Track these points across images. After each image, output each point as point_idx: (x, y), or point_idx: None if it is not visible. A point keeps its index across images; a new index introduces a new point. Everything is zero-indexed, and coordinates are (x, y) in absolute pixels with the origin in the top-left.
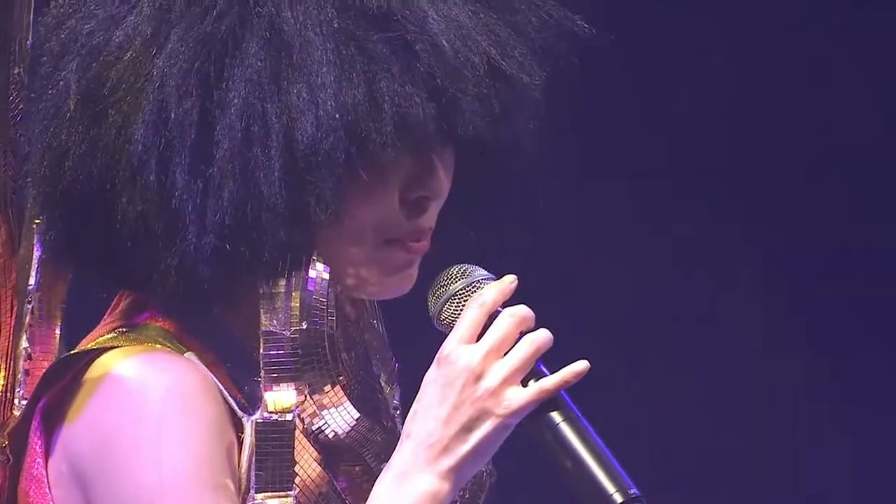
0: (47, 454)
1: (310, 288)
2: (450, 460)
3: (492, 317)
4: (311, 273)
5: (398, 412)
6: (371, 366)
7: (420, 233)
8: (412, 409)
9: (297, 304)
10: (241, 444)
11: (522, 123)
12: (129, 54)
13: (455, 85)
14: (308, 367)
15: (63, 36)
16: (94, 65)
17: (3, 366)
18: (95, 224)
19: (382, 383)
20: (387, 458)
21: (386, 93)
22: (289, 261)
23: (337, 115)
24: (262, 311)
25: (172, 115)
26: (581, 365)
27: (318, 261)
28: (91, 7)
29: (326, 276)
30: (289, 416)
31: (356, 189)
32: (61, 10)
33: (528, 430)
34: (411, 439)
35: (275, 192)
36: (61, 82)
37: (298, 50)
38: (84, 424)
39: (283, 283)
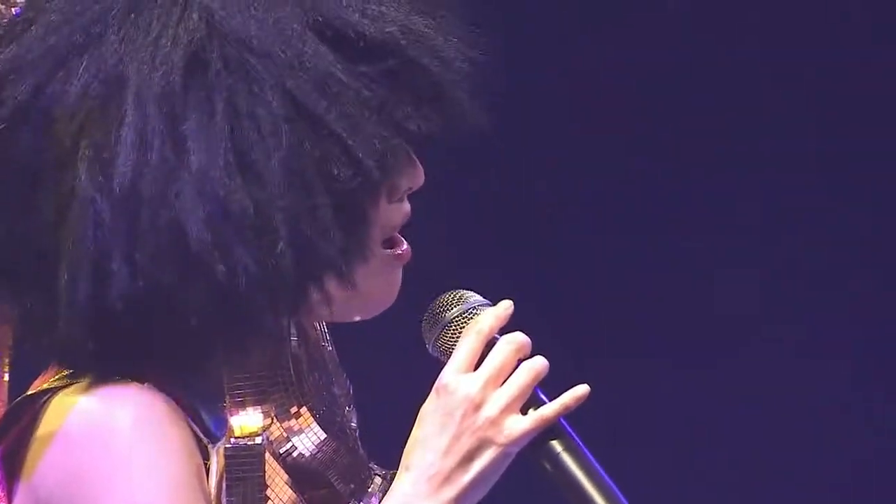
0: (10, 498)
1: None
2: (451, 491)
3: (489, 344)
4: None
5: (357, 433)
6: (333, 387)
7: (406, 218)
8: (411, 439)
9: None
10: (207, 470)
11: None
12: (150, 156)
13: (457, 94)
14: (273, 389)
15: None
16: (108, 172)
17: None
18: (142, 331)
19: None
20: (352, 480)
21: (399, 119)
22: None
23: (367, 154)
24: None
25: (224, 209)
26: (581, 390)
27: None
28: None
29: None
30: (258, 440)
31: (374, 210)
32: None
33: (529, 458)
34: (411, 471)
35: (335, 250)
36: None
37: (312, 103)
38: (50, 462)
39: None
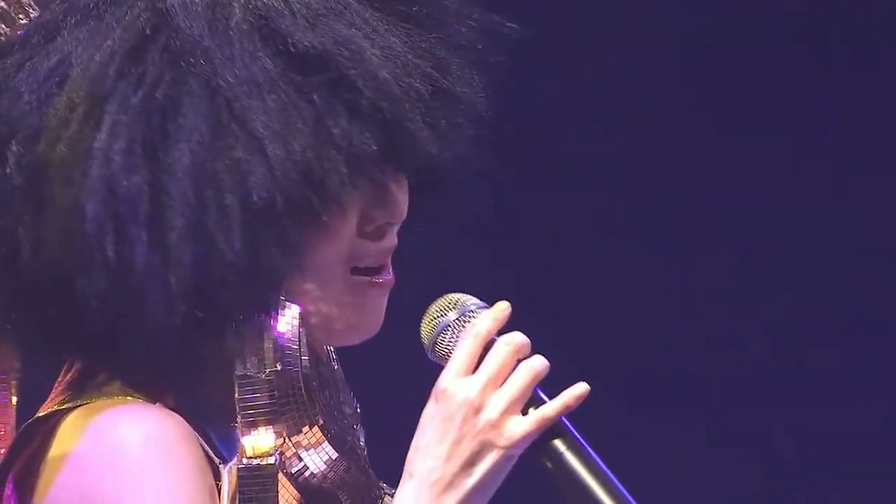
0: None
1: (281, 329)
2: (455, 496)
3: (487, 346)
4: (282, 314)
5: (365, 452)
6: (343, 405)
7: (386, 254)
8: (412, 446)
9: (270, 346)
10: (218, 490)
11: (470, 134)
12: (67, 133)
13: (402, 115)
14: (285, 408)
15: None
16: (30, 151)
17: None
18: (54, 308)
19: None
20: (363, 500)
21: (335, 133)
22: (259, 316)
23: (288, 164)
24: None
25: (122, 191)
26: (580, 388)
27: (287, 301)
28: (20, 88)
29: (297, 316)
30: (270, 460)
31: (316, 231)
32: None
33: (532, 459)
34: (414, 478)
35: (237, 251)
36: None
37: (240, 105)
38: (62, 484)
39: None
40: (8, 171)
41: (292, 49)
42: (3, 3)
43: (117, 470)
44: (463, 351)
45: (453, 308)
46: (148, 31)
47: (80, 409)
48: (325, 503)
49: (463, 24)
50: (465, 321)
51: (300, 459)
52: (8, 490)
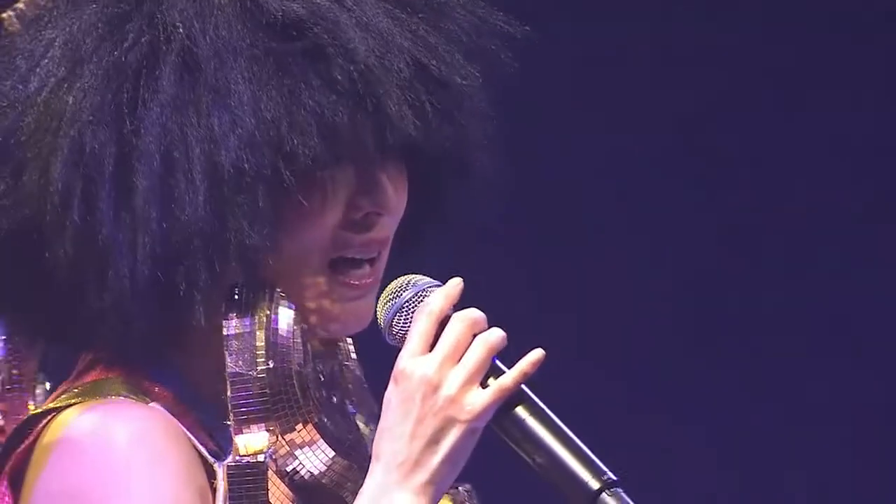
0: None
1: (274, 326)
2: (423, 475)
3: (443, 324)
4: (275, 311)
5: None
6: (346, 405)
7: (371, 244)
8: (378, 430)
9: (262, 344)
10: (214, 490)
11: (471, 127)
12: (42, 96)
13: (378, 90)
14: (278, 406)
15: None
16: (10, 113)
17: None
18: (27, 274)
19: (361, 424)
20: None
21: (307, 104)
22: (236, 293)
23: (258, 133)
24: (226, 352)
25: (88, 150)
26: (536, 354)
27: (282, 297)
28: (17, 62)
29: (291, 313)
30: (261, 458)
31: (293, 210)
32: None
33: (496, 429)
34: (381, 461)
35: (201, 217)
36: None
37: (213, 71)
38: (49, 479)
39: (246, 322)
40: None
41: (269, 17)
42: (20, 4)
43: (104, 468)
44: (418, 330)
45: (406, 288)
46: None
47: (72, 407)
48: (327, 502)
49: (464, 18)
50: (418, 301)
51: (294, 458)
52: (2, 486)
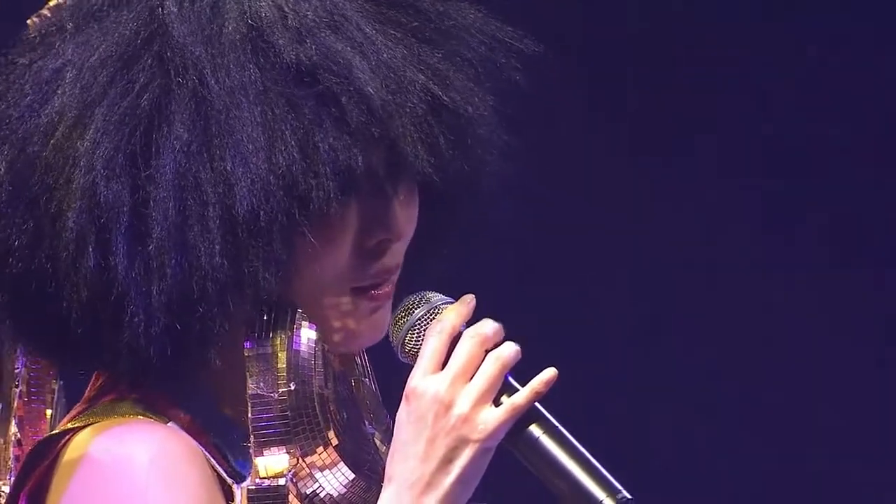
0: None
1: (295, 347)
2: (435, 495)
3: (455, 341)
4: (296, 332)
5: None
6: (364, 424)
7: (386, 273)
8: (390, 450)
9: (284, 365)
10: None
11: (481, 150)
12: (54, 140)
13: (391, 131)
14: (299, 428)
15: None
16: (21, 154)
17: None
18: (45, 312)
19: (378, 442)
20: None
21: (321, 148)
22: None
23: (272, 178)
24: (247, 374)
25: (102, 200)
26: (549, 373)
27: (303, 319)
28: (25, 89)
29: (313, 334)
30: (281, 481)
31: (306, 247)
32: None
33: (510, 447)
34: (393, 482)
35: (217, 264)
36: None
37: (226, 116)
38: (69, 500)
39: (267, 344)
40: (1, 171)
41: (282, 62)
42: (45, 10)
43: (122, 490)
44: (429, 349)
45: (418, 306)
46: (143, 38)
47: (90, 427)
48: None
49: (472, 39)
50: (430, 318)
51: (315, 480)
52: None
